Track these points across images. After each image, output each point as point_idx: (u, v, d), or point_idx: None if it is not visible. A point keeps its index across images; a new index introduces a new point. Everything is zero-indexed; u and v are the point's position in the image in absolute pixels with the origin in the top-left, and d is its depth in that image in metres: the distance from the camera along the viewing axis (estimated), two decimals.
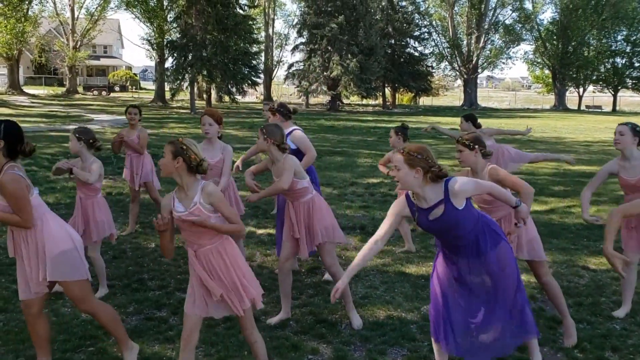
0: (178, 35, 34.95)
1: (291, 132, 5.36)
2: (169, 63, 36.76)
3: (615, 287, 5.38)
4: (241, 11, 35.86)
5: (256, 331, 3.47)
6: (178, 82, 34.41)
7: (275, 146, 4.32)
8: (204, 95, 38.64)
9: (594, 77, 53.61)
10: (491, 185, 3.35)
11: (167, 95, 38.10)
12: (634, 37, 51.69)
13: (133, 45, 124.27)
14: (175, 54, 33.97)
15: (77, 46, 46.70)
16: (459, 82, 54.59)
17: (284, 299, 4.62)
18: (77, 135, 4.85)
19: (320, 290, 5.30)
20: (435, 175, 3.13)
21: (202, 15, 32.55)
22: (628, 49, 52.39)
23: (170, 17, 37.68)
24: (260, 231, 7.26)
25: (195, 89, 37.02)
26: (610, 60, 52.94)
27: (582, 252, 6.63)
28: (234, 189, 5.55)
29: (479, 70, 52.23)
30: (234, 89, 35.78)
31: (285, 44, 56.21)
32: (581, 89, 54.80)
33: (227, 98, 37.24)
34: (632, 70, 52.72)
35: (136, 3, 38.56)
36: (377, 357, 4.02)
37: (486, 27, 49.65)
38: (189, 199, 3.26)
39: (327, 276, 5.48)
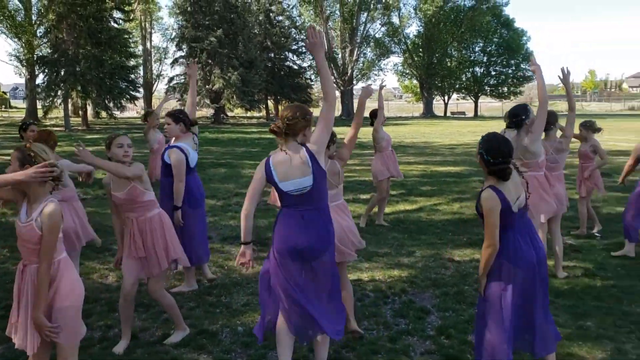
0: (49, 51, 33.45)
1: (172, 147, 5.22)
2: (40, 79, 34.99)
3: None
4: (115, 25, 35.02)
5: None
6: (50, 99, 32.95)
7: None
8: (80, 112, 37.14)
9: (457, 86, 57.65)
10: None
11: (40, 113, 36.14)
12: (489, 48, 56.58)
13: (0, 62, 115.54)
14: (46, 70, 32.60)
15: None
16: (337, 93, 56.24)
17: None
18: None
19: (201, 301, 5.26)
20: None
21: (74, 30, 31.45)
22: (485, 59, 57.21)
23: (39, 32, 35.81)
24: None
25: (70, 105, 35.56)
26: (470, 70, 57.33)
27: (448, 246, 7.08)
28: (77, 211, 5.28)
29: (354, 82, 53.68)
30: (111, 104, 34.81)
31: (165, 58, 55.20)
32: (446, 97, 58.55)
33: (104, 114, 36.09)
34: (489, 78, 57.68)
35: (2, 18, 36.26)
36: None
37: (358, 40, 51.18)
38: (32, 211, 3.00)
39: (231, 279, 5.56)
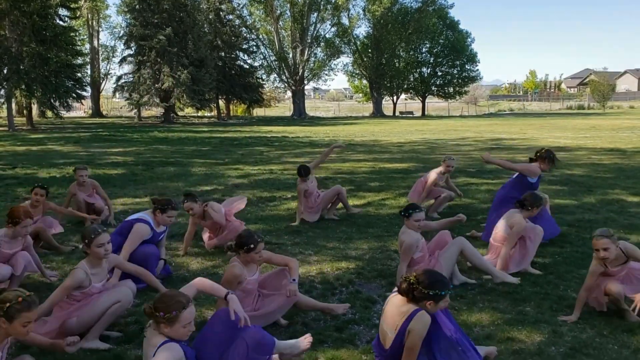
0: None
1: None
2: None
3: None
4: (61, 22, 34.11)
5: None
6: None
7: None
8: (24, 111, 35.98)
9: (405, 86, 58.78)
10: None
11: None
12: (436, 49, 57.89)
13: None
14: None
15: None
16: (289, 93, 56.55)
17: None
18: None
19: (148, 297, 5.01)
20: None
21: (17, 27, 30.44)
22: (431, 59, 58.48)
23: None
24: None
25: (14, 104, 34.40)
26: (418, 70, 58.55)
27: (394, 238, 6.93)
28: None
29: (305, 82, 54.11)
30: (57, 103, 33.87)
31: (113, 56, 54.19)
32: (395, 97, 59.63)
33: (50, 113, 35.06)
34: (436, 78, 59.04)
35: None
36: None
37: (309, 40, 51.56)
38: None
39: None
